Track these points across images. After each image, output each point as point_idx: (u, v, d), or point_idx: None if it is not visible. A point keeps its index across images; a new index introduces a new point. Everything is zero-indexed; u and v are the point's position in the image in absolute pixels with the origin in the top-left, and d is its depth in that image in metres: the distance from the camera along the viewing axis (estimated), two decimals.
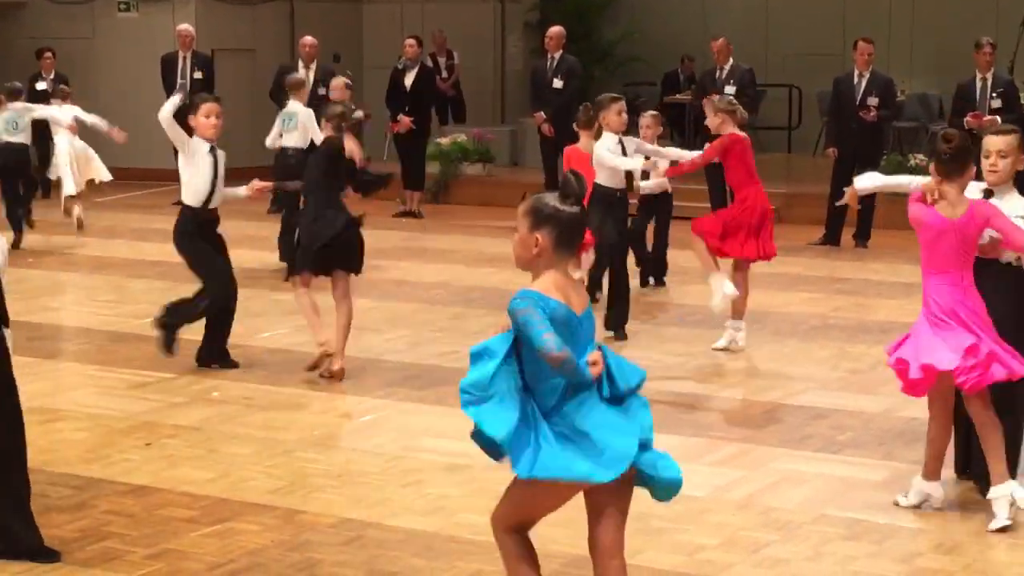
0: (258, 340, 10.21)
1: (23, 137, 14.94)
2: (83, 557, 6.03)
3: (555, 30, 17.50)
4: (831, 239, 15.70)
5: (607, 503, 4.69)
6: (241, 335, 10.46)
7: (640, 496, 6.58)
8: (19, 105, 15.02)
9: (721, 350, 10.17)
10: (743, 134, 10.11)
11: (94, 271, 13.61)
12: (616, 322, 10.57)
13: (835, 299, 12.33)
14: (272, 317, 11.06)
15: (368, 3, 23.49)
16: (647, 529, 6.39)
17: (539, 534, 4.88)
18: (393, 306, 11.95)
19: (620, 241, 10.64)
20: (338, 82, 14.02)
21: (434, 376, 9.35)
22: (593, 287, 10.98)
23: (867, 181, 7.37)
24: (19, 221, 14.96)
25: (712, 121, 10.14)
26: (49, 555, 5.97)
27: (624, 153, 10.49)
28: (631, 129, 11.10)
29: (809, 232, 15.79)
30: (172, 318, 9.44)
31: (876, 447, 7.81)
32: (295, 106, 13.47)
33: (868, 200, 15.68)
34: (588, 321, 4.67)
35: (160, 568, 5.93)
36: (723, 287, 9.84)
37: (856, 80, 15.65)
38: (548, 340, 4.44)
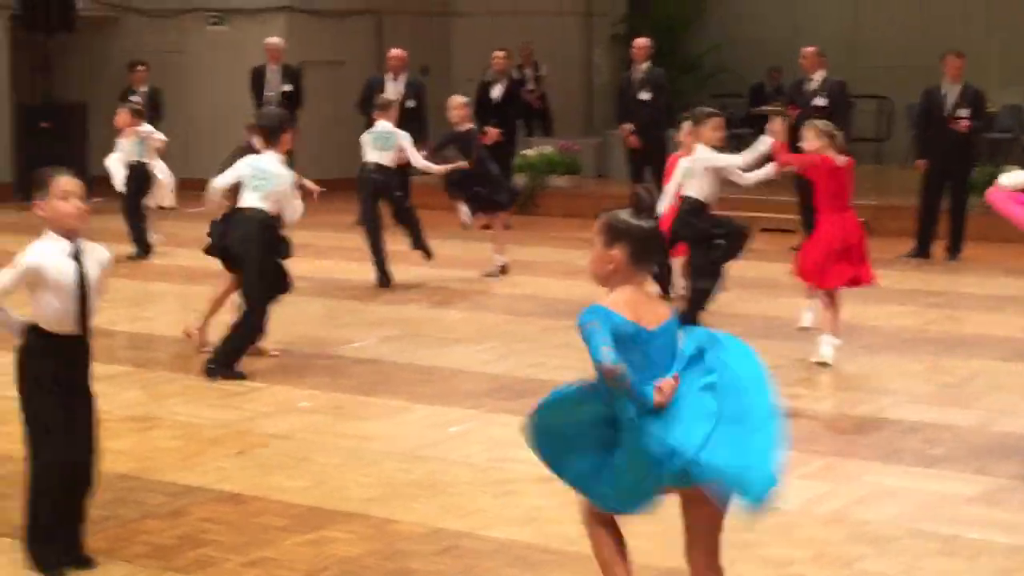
0: (347, 350, 10.27)
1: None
2: (181, 564, 6.10)
3: (641, 41, 17.49)
4: (922, 252, 15.57)
5: (689, 517, 4.71)
6: (331, 345, 10.57)
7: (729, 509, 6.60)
8: (145, 129, 15.15)
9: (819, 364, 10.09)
10: (842, 159, 9.91)
11: (187, 281, 13.76)
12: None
13: (927, 312, 12.22)
14: (360, 328, 11.12)
15: (457, 16, 23.59)
16: (736, 543, 6.35)
17: (631, 546, 4.90)
18: (481, 317, 12.00)
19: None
20: (457, 100, 14.03)
21: (522, 388, 9.36)
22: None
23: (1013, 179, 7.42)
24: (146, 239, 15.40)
25: (812, 144, 9.93)
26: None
27: None
28: None
29: (900, 245, 15.67)
30: (224, 357, 9.63)
31: (970, 461, 7.73)
32: (385, 125, 13.45)
33: (959, 213, 15.58)
34: (665, 336, 4.67)
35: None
36: (823, 350, 10.00)
37: (945, 92, 15.50)
38: (604, 353, 4.49)
